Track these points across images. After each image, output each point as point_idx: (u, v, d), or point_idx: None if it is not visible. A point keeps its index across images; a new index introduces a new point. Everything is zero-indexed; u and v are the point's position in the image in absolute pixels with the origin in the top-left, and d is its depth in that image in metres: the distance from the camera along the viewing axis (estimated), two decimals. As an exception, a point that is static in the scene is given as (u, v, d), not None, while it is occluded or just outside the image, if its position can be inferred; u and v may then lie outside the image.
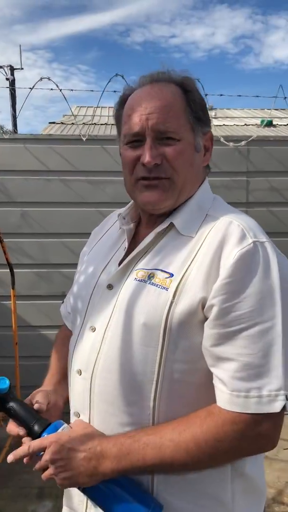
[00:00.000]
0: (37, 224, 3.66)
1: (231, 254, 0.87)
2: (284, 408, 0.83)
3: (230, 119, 5.93)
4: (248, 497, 0.97)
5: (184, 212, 1.00)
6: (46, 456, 0.90)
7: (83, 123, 4.52)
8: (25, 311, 3.68)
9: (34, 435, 0.96)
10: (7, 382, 1.00)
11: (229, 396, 0.84)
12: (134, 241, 1.06)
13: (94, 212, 3.67)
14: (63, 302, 1.30)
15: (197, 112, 1.00)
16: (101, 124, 4.36)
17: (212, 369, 0.89)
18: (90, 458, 0.88)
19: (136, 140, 0.98)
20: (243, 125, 4.85)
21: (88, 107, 6.21)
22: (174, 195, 0.99)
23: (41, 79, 3.18)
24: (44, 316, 3.69)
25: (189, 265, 0.91)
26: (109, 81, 3.17)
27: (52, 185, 3.65)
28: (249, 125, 4.90)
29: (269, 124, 4.78)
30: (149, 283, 0.93)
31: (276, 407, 0.82)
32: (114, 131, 4.01)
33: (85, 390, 0.98)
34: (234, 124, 5.15)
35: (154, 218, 1.04)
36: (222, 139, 3.57)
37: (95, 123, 4.41)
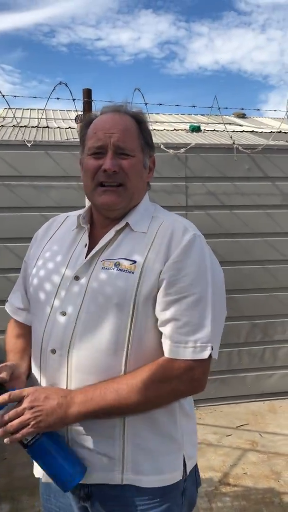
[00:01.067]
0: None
1: (179, 242, 1.15)
2: (210, 356, 1.10)
3: (160, 124, 6.12)
4: (190, 439, 1.26)
5: (134, 215, 1.24)
6: (25, 403, 1.08)
7: (13, 125, 4.49)
8: None
9: None
10: None
11: (171, 347, 1.10)
12: (91, 240, 1.25)
13: (38, 217, 3.70)
14: (7, 301, 1.45)
15: (146, 138, 1.26)
16: (32, 127, 4.37)
17: (161, 328, 1.13)
18: (62, 404, 1.09)
19: (99, 152, 1.20)
20: (173, 130, 5.05)
21: (16, 109, 6.15)
22: (127, 199, 1.22)
23: (-16, 84, 3.18)
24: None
25: (148, 253, 1.15)
26: (53, 89, 3.23)
27: (-5, 190, 3.64)
28: (178, 130, 5.11)
29: (197, 129, 5.01)
30: (117, 269, 1.14)
31: (205, 354, 1.10)
32: (46, 135, 4.02)
33: (62, 365, 1.15)
34: (164, 129, 5.33)
35: (108, 221, 1.25)
36: (162, 146, 3.75)
37: (25, 126, 4.40)
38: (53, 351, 1.17)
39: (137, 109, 1.29)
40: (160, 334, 1.14)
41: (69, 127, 4.71)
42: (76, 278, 1.19)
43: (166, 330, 1.12)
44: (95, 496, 1.18)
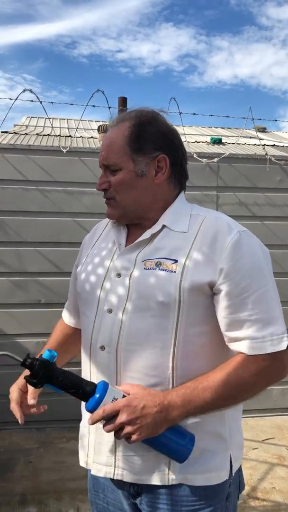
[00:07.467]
0: (14, 233, 3.68)
1: (226, 244, 1.13)
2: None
3: (181, 136, 6.12)
4: (237, 438, 1.25)
5: (168, 216, 1.23)
6: (122, 418, 1.06)
7: (37, 133, 4.55)
8: (0, 320, 3.68)
9: (86, 396, 1.11)
10: (56, 353, 1.14)
11: (250, 344, 1.11)
12: (130, 239, 1.28)
13: (70, 222, 3.74)
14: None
15: (143, 142, 1.21)
16: (55, 136, 4.42)
17: (232, 333, 1.13)
18: (161, 411, 1.07)
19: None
20: (194, 142, 5.06)
21: (39, 117, 6.23)
22: (119, 209, 1.25)
23: (24, 90, 3.24)
24: (19, 325, 3.69)
25: (189, 251, 1.15)
26: (91, 96, 3.28)
27: (29, 194, 3.69)
28: (199, 142, 5.12)
29: (219, 142, 5.01)
30: (159, 269, 1.15)
31: (283, 345, 1.11)
32: (62, 143, 4.01)
33: (110, 362, 1.17)
34: (186, 141, 5.35)
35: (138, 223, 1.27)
36: (194, 155, 3.77)
37: (48, 134, 4.46)
38: (102, 348, 1.19)
39: (146, 110, 1.26)
40: (209, 332, 1.16)
41: (91, 137, 4.75)
42: (118, 275, 1.21)
43: (239, 332, 1.12)
44: (145, 494, 1.19)
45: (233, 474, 1.22)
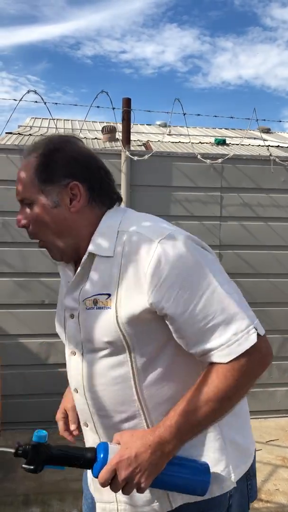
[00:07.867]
0: (18, 233, 3.68)
1: (147, 264, 1.03)
2: (259, 335, 1.02)
3: (184, 137, 6.06)
4: (237, 445, 1.17)
5: (94, 241, 1.14)
6: (122, 476, 1.02)
7: (41, 134, 4.57)
8: (4, 320, 3.68)
9: (90, 463, 1.06)
10: (45, 432, 1.09)
11: (217, 353, 1.02)
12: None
13: (74, 223, 3.74)
14: None
15: (51, 171, 1.13)
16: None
17: (195, 348, 1.05)
18: (155, 451, 1.03)
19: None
20: (198, 143, 5.06)
21: (43, 118, 6.24)
22: (54, 250, 1.18)
23: (28, 91, 3.25)
24: (23, 325, 3.70)
25: (118, 282, 1.08)
26: (95, 97, 3.28)
27: (33, 195, 3.69)
28: (203, 143, 5.12)
29: (223, 142, 5.01)
30: (96, 308, 1.10)
31: (252, 339, 1.01)
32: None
33: (84, 404, 1.19)
34: (190, 142, 5.33)
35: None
36: (199, 156, 3.77)
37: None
38: (76, 391, 1.20)
39: (58, 136, 1.20)
40: (167, 354, 1.10)
41: (96, 138, 4.75)
42: (71, 316, 1.18)
43: (202, 347, 1.04)
44: None
45: (234, 483, 1.15)
